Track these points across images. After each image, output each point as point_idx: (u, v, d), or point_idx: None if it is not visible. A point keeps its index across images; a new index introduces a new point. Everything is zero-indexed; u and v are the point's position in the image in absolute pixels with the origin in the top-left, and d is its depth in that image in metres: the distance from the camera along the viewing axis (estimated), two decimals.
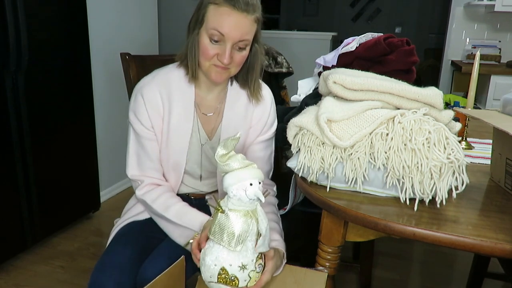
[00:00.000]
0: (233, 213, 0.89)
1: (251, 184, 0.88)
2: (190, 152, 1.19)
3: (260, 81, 1.23)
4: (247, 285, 0.92)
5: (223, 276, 0.90)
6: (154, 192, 1.17)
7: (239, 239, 0.89)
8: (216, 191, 1.29)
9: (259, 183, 0.89)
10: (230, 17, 1.02)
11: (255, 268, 0.93)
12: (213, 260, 0.90)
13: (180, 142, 1.17)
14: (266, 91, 1.25)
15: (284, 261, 1.06)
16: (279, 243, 1.08)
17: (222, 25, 1.02)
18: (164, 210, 1.13)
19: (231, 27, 1.03)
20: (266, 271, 0.96)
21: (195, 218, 1.11)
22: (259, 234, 0.92)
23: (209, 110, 1.20)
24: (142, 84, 1.16)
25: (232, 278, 0.90)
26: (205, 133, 1.20)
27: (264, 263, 0.96)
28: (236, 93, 1.20)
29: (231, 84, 1.20)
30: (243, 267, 0.90)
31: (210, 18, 1.04)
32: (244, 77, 1.18)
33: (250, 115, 1.21)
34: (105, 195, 2.71)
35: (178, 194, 1.21)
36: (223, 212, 0.90)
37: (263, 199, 0.89)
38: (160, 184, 1.20)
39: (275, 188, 1.29)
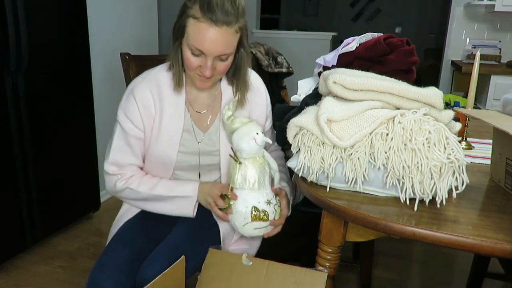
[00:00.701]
0: (248, 161, 1.09)
1: (257, 134, 1.09)
2: (185, 152, 1.19)
3: (250, 71, 1.23)
4: (274, 218, 1.11)
5: (255, 213, 1.08)
6: (135, 178, 1.19)
7: (260, 179, 1.09)
8: None
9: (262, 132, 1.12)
10: (209, 34, 1.01)
11: (277, 202, 1.13)
12: (243, 203, 1.08)
13: (170, 140, 1.17)
14: (257, 80, 1.27)
15: (291, 201, 1.21)
16: (286, 188, 1.22)
17: (202, 42, 1.02)
18: (152, 188, 1.16)
19: (211, 44, 1.02)
20: (283, 207, 1.15)
21: (186, 185, 1.17)
22: (270, 174, 1.13)
23: (202, 107, 1.21)
24: (133, 85, 1.18)
25: (263, 213, 1.09)
26: (200, 130, 1.20)
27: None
28: (229, 87, 1.22)
29: (221, 80, 1.22)
30: (268, 202, 1.10)
31: (190, 33, 1.04)
32: (230, 76, 1.20)
33: (248, 107, 1.22)
34: (105, 195, 2.70)
35: None
36: (240, 163, 1.09)
37: (270, 141, 1.12)
38: None
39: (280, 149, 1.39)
